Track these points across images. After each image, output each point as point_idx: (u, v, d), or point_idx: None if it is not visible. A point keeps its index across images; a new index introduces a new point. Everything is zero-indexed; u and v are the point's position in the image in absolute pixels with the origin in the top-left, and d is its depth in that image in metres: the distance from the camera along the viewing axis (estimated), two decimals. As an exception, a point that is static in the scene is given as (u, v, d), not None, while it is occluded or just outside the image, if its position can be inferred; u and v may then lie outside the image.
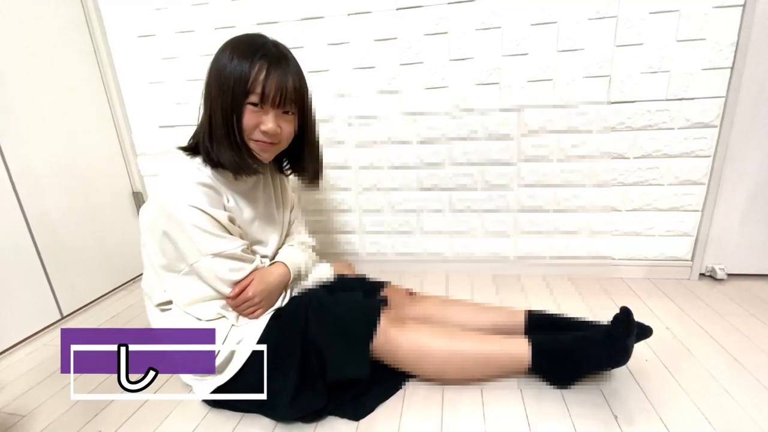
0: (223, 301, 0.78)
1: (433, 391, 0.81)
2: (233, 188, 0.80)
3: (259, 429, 0.75)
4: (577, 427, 0.70)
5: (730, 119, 1.07)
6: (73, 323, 1.19)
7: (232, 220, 0.77)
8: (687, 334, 0.95)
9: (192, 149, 0.78)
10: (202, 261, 0.73)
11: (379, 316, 0.79)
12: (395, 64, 1.18)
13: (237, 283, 0.76)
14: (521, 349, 0.79)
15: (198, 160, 0.76)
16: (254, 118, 0.71)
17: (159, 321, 0.84)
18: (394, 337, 0.78)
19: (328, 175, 1.33)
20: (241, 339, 0.77)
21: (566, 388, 0.80)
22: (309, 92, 0.79)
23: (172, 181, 0.74)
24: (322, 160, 0.89)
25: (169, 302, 0.82)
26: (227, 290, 0.76)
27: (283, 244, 0.93)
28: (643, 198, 1.17)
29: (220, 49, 0.73)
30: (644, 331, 0.79)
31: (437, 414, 0.75)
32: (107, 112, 1.36)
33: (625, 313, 0.74)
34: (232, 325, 0.77)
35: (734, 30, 1.00)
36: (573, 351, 0.77)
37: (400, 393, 0.82)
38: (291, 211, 0.97)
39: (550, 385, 0.80)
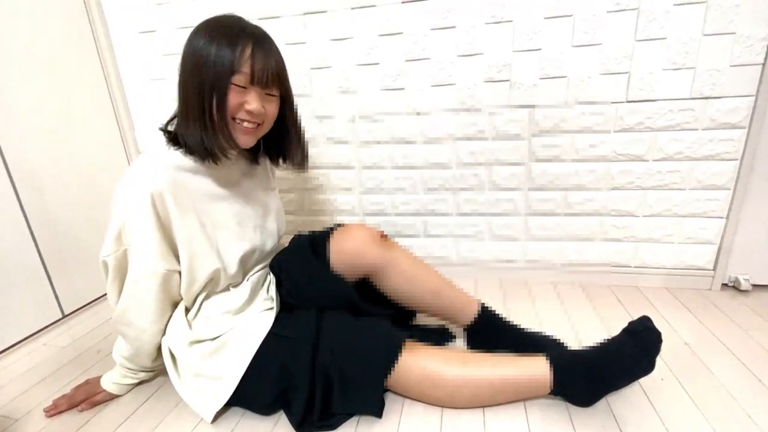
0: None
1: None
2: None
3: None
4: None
5: (760, 120, 0.99)
6: (74, 322, 1.19)
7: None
8: (706, 350, 0.89)
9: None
10: None
11: (401, 350, 0.73)
12: (400, 60, 1.12)
13: None
14: (541, 369, 0.72)
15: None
16: (238, 98, 0.69)
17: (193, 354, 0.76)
18: (405, 364, 0.73)
19: (330, 175, 1.29)
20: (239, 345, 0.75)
21: (589, 405, 0.75)
22: (288, 75, 0.77)
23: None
24: (306, 141, 0.86)
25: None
26: None
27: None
28: (661, 203, 1.10)
29: (193, 32, 0.70)
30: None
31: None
32: (110, 110, 1.34)
33: (647, 320, 0.73)
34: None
35: (767, 23, 0.93)
36: (598, 366, 0.71)
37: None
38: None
39: (574, 404, 0.75)
